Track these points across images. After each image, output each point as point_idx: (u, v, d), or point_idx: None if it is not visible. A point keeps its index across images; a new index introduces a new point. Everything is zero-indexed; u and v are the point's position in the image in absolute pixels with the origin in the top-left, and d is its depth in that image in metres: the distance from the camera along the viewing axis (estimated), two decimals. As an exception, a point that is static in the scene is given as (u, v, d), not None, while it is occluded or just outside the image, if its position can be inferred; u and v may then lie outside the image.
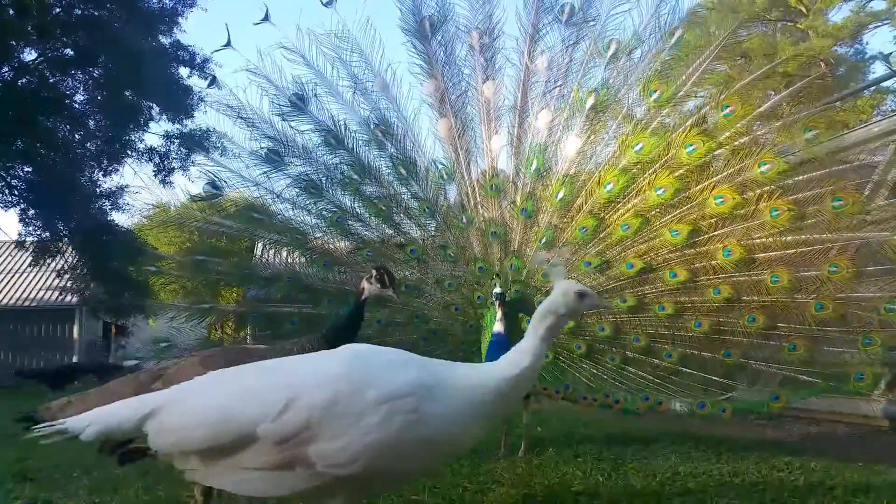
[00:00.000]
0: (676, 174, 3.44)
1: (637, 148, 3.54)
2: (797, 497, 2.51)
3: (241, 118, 3.88)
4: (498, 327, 3.53)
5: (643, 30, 3.62)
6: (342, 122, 3.90)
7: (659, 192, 3.46)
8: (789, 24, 29.45)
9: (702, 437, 3.86)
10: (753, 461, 3.12)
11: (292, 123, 3.90)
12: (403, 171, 3.91)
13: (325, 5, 3.84)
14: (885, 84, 23.74)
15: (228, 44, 4.15)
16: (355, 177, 3.92)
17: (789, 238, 3.27)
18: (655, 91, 3.54)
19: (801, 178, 3.28)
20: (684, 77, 3.53)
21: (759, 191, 3.30)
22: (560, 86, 3.79)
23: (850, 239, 3.19)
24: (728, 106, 3.42)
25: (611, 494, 2.63)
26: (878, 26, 28.52)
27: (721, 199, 3.34)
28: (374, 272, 2.16)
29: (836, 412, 4.23)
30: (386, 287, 2.10)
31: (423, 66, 3.91)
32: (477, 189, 3.92)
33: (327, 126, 3.89)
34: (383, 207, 3.93)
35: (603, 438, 3.86)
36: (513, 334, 3.62)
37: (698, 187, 3.41)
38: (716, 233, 3.40)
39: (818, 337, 3.28)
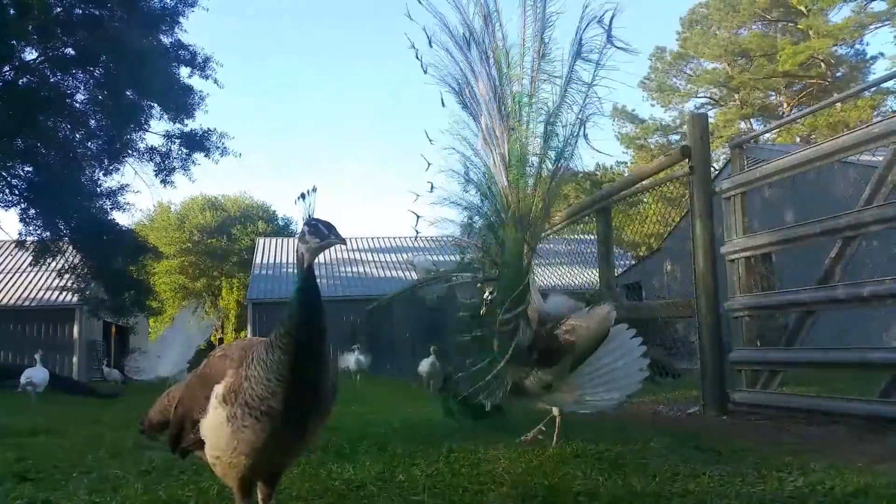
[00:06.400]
0: None
1: None
2: (797, 497, 2.51)
3: None
4: None
5: None
6: None
7: None
8: (789, 24, 29.46)
9: (701, 437, 3.86)
10: (753, 461, 3.12)
11: None
12: None
13: None
14: (885, 85, 23.73)
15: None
16: None
17: None
18: None
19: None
20: None
21: None
22: None
23: None
24: None
25: (611, 494, 2.63)
26: (879, 27, 28.47)
27: None
28: (304, 229, 1.74)
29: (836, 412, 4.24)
30: (325, 236, 1.69)
31: None
32: None
33: None
34: None
35: (603, 438, 3.86)
36: None
37: None
38: None
39: None
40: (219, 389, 1.78)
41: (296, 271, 1.75)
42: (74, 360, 20.26)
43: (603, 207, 6.76)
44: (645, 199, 7.67)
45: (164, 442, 2.25)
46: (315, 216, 1.77)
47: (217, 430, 1.78)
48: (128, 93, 15.65)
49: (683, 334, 7.27)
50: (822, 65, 31.23)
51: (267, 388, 1.69)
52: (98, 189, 16.09)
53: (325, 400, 1.85)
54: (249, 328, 23.19)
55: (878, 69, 30.15)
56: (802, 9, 30.28)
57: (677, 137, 34.95)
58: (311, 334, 1.71)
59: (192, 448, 2.03)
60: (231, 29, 67.21)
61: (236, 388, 1.74)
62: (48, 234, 15.91)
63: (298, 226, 1.87)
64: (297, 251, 1.76)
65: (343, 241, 1.73)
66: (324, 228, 1.71)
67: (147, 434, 2.39)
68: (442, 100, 3.72)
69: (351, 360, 13.05)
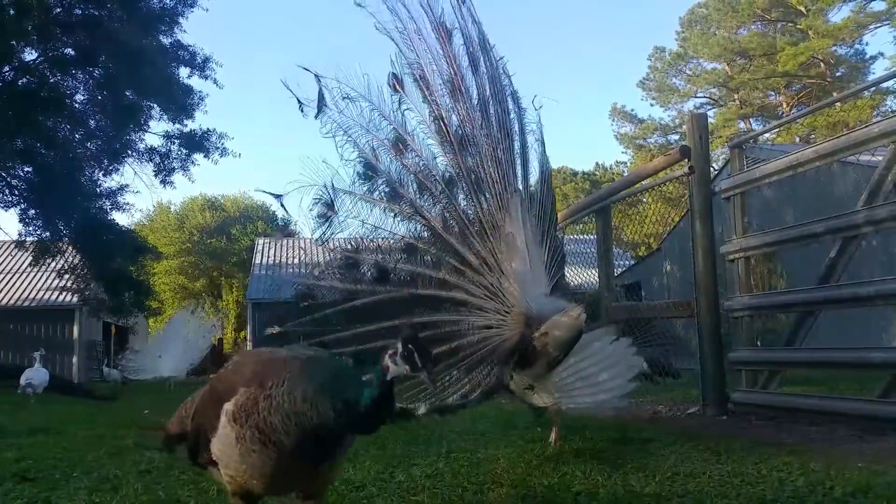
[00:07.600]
0: None
1: None
2: (796, 497, 2.51)
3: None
4: None
5: None
6: None
7: None
8: (789, 24, 29.47)
9: (701, 437, 3.86)
10: (753, 461, 3.12)
11: None
12: None
13: None
14: (885, 85, 23.76)
15: None
16: None
17: None
18: None
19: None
20: None
21: None
22: None
23: None
24: None
25: (610, 494, 2.63)
26: (879, 27, 28.47)
27: None
28: (399, 346, 1.59)
29: (836, 412, 4.24)
30: (417, 369, 1.56)
31: None
32: None
33: None
34: None
35: (603, 438, 3.86)
36: None
37: None
38: None
39: None
40: (228, 407, 1.68)
41: (372, 372, 1.63)
42: (74, 360, 20.24)
43: (602, 207, 6.76)
44: (644, 199, 7.67)
45: (182, 456, 2.07)
46: (419, 338, 1.63)
47: (227, 450, 1.70)
48: (127, 93, 15.65)
49: (681, 333, 7.26)
50: (822, 65, 31.25)
51: (284, 424, 1.60)
52: (98, 189, 16.11)
53: (342, 450, 1.77)
54: (249, 328, 23.21)
55: (878, 69, 30.18)
56: (802, 9, 30.29)
57: (677, 137, 34.96)
58: (360, 427, 1.66)
59: (209, 466, 1.88)
60: (230, 28, 67.25)
61: (248, 409, 1.63)
62: (48, 234, 15.93)
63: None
64: (382, 359, 1.63)
65: (433, 385, 1.72)
66: (418, 361, 1.59)
67: (166, 447, 2.15)
68: None
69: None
